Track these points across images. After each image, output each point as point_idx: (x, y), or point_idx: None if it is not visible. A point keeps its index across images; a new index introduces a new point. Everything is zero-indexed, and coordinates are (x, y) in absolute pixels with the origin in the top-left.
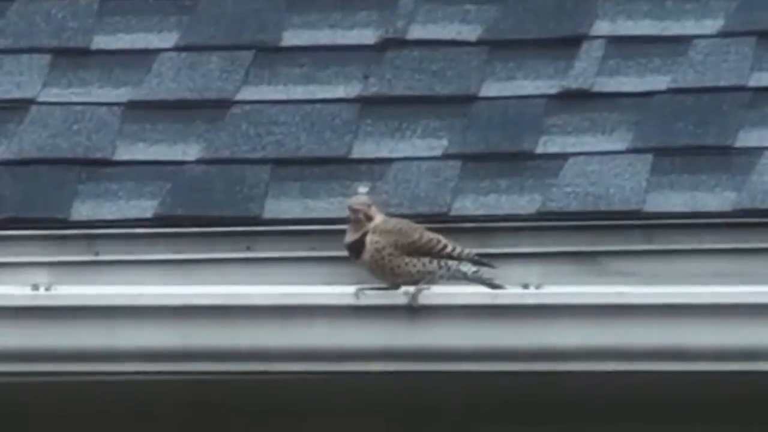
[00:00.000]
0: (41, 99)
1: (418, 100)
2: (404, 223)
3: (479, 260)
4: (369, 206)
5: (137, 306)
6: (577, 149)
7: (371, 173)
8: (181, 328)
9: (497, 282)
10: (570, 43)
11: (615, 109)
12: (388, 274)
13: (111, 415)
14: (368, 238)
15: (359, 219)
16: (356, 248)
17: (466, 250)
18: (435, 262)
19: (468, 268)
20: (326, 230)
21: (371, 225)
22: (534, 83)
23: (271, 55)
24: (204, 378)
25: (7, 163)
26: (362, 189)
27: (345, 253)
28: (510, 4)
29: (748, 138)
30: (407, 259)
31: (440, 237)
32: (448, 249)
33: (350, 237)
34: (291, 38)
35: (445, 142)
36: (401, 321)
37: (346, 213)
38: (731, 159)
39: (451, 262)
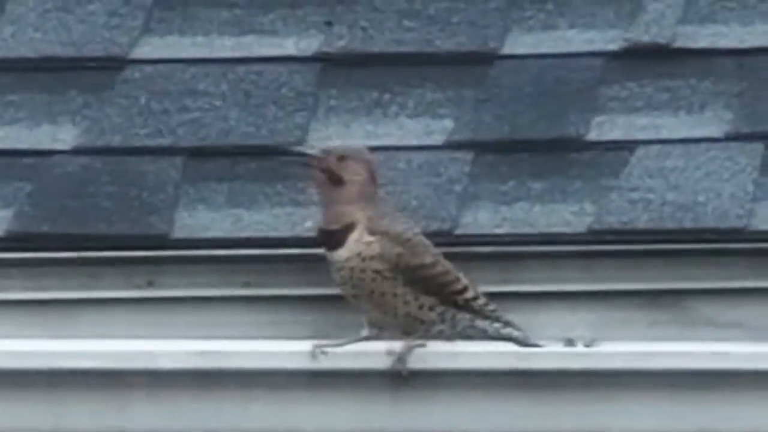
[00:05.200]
0: None
1: (408, 60)
2: (414, 231)
3: (509, 322)
4: (340, 158)
5: None
6: (650, 135)
7: None
8: (50, 404)
9: (528, 338)
10: None
11: (707, 74)
12: (364, 294)
13: None
14: (354, 234)
15: (313, 178)
16: (332, 239)
17: (491, 306)
18: (438, 309)
19: (488, 323)
20: (267, 256)
21: (365, 214)
22: (585, 34)
23: None
24: None
25: None
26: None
27: (294, 290)
28: None
29: None
30: (401, 290)
31: (459, 273)
32: (468, 294)
33: (326, 217)
34: None
35: (448, 124)
36: (382, 395)
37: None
38: None
39: (461, 315)
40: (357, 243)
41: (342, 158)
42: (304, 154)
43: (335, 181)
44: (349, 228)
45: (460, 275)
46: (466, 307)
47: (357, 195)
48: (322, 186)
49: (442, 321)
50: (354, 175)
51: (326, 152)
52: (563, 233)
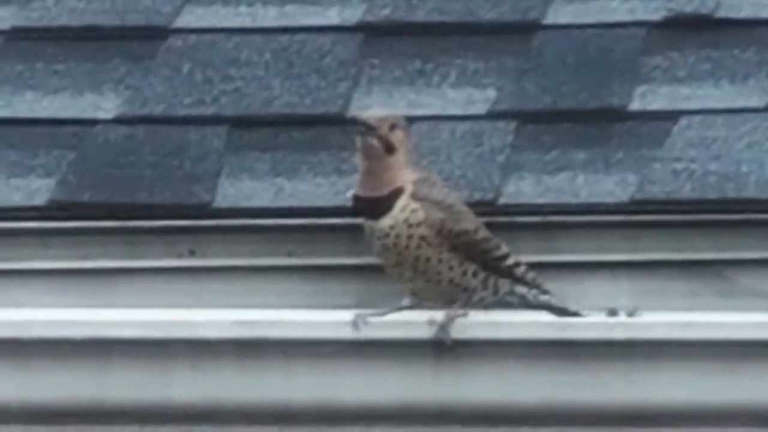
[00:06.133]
0: None
1: (450, 29)
2: (455, 198)
3: (548, 291)
4: (391, 126)
5: (24, 339)
6: (693, 105)
7: None
8: (92, 373)
9: (569, 307)
10: None
11: (750, 44)
12: (408, 261)
13: None
14: (401, 201)
15: (371, 147)
16: (376, 206)
17: (532, 273)
18: (481, 275)
19: (527, 290)
20: (309, 226)
21: (410, 180)
22: (628, 3)
23: None
24: None
25: None
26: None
27: (336, 259)
28: None
29: None
30: (446, 255)
31: (499, 241)
32: (509, 261)
33: (369, 185)
34: None
35: (491, 93)
36: (424, 364)
37: (351, 145)
38: None
39: (502, 281)
40: (403, 210)
41: (392, 126)
42: (364, 123)
43: (388, 148)
44: (397, 193)
45: (501, 243)
46: (509, 273)
47: (404, 162)
48: (375, 154)
49: (485, 288)
50: (401, 143)
51: (381, 120)
52: (606, 203)
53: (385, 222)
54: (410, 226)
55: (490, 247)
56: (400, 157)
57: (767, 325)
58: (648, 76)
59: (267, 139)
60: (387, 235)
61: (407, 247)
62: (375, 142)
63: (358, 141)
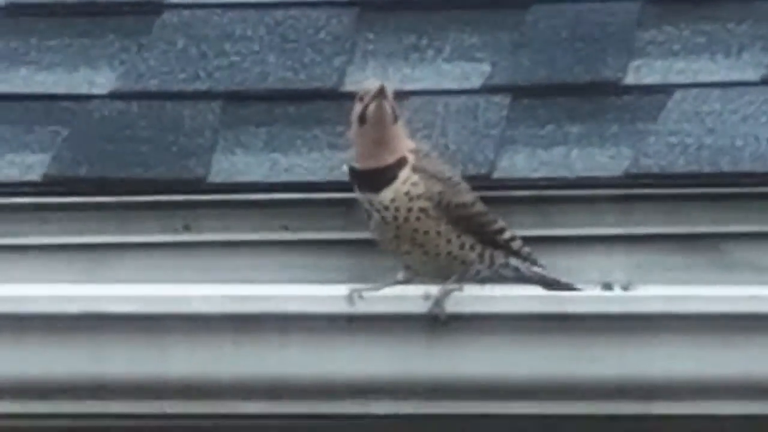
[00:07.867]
0: None
1: (445, 4)
2: (453, 171)
3: (542, 266)
4: (394, 96)
5: (19, 314)
6: (688, 79)
7: None
8: (87, 348)
9: (564, 280)
10: None
11: (745, 18)
12: (407, 235)
13: None
14: (404, 173)
15: (385, 112)
16: (378, 178)
17: (527, 248)
18: (478, 248)
19: (521, 263)
20: (304, 200)
21: (409, 148)
22: None
23: None
24: (122, 424)
25: None
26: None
27: (331, 234)
28: None
29: None
30: (444, 228)
31: (495, 214)
32: (506, 234)
33: (371, 156)
34: None
35: (486, 67)
36: (419, 339)
37: (353, 108)
38: None
39: (497, 254)
40: (404, 183)
41: (394, 95)
42: (379, 87)
43: (395, 118)
44: (401, 163)
45: (497, 217)
46: (505, 246)
47: (404, 133)
48: (387, 120)
49: (481, 261)
50: (400, 112)
51: (388, 87)
52: (600, 177)
53: (386, 195)
54: (411, 198)
55: (488, 220)
56: (400, 127)
57: (763, 298)
58: (643, 50)
59: (262, 113)
60: (386, 208)
61: (406, 219)
62: (388, 107)
63: (372, 107)
